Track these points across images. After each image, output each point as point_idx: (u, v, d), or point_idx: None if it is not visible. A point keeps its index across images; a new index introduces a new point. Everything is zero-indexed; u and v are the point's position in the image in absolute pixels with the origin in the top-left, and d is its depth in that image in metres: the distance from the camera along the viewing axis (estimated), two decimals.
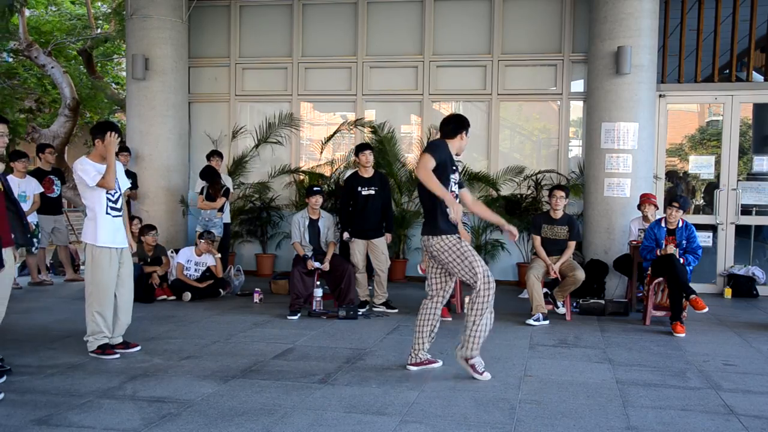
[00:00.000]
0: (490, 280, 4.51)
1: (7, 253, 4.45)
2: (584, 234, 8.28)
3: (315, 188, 7.09)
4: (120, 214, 5.18)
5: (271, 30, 9.80)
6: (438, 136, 9.04)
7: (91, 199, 5.03)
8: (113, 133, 5.08)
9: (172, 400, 4.09)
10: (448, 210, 4.44)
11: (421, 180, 4.39)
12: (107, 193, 5.05)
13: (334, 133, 9.45)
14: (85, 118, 15.60)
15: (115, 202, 5.12)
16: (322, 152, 9.55)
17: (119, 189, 5.17)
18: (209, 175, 8.20)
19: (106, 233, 5.03)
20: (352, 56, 9.55)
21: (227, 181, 8.75)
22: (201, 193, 8.27)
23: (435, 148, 4.51)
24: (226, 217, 8.64)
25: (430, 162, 4.37)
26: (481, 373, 4.56)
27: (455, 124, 4.73)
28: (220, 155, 8.75)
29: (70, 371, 4.67)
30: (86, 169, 4.97)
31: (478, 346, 4.54)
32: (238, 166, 9.56)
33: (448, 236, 4.54)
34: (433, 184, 4.33)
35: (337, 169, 9.38)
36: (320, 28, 9.66)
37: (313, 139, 9.73)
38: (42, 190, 8.25)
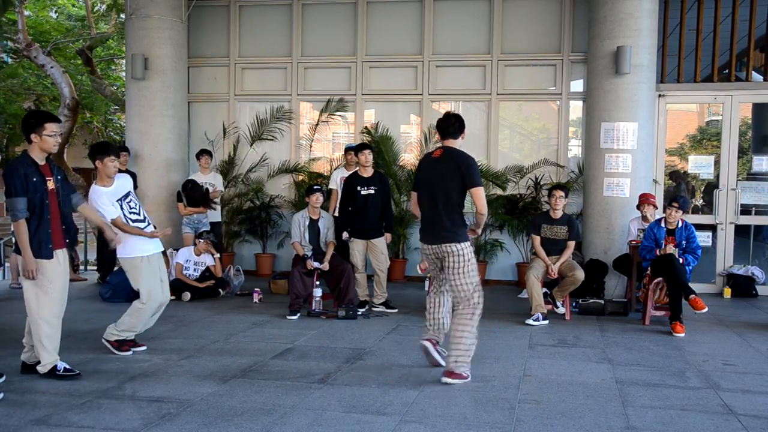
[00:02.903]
0: (482, 300, 4.56)
1: (62, 254, 4.54)
2: (584, 234, 8.28)
3: (315, 187, 7.09)
4: (145, 224, 5.25)
5: (270, 30, 9.80)
6: (438, 135, 9.03)
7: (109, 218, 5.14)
8: (109, 157, 5.10)
9: (171, 400, 4.10)
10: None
11: (484, 214, 4.59)
12: (122, 206, 5.14)
13: (317, 124, 9.54)
14: (85, 117, 15.61)
15: (138, 213, 5.23)
16: (311, 145, 9.57)
17: (137, 201, 5.30)
18: (188, 188, 8.19)
19: (134, 246, 5.14)
20: (352, 56, 9.54)
21: (217, 179, 8.76)
22: (179, 200, 8.27)
23: (478, 172, 4.62)
24: (217, 216, 8.63)
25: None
26: (467, 377, 4.52)
27: (460, 123, 4.70)
28: (209, 154, 8.76)
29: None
30: (102, 205, 5.05)
31: (469, 362, 4.54)
32: (232, 165, 9.57)
33: (468, 243, 4.56)
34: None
35: (336, 169, 9.39)
36: (320, 28, 9.66)
37: (314, 139, 9.73)
38: None
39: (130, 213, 5.17)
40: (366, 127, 9.38)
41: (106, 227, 5.04)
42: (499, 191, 8.97)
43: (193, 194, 8.13)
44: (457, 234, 4.53)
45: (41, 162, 4.45)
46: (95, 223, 5.24)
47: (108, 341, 5.18)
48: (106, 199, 5.08)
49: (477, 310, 4.53)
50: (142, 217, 5.25)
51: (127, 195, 5.22)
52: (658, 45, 8.27)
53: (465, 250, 4.53)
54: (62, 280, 4.55)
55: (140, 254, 5.15)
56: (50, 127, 4.41)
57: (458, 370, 4.47)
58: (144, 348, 5.30)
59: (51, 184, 4.47)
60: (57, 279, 4.50)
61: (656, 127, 8.36)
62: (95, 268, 9.80)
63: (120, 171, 5.48)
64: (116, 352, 5.14)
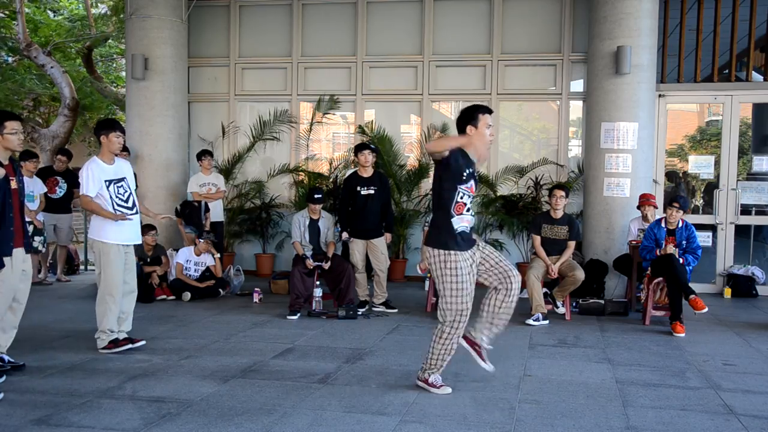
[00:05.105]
0: (460, 320, 4.10)
1: (18, 253, 4.54)
2: (584, 234, 8.28)
3: (316, 196, 7.00)
4: (133, 212, 5.25)
5: (270, 30, 9.80)
6: (438, 135, 9.02)
7: (97, 198, 5.13)
8: (114, 132, 5.16)
9: (171, 399, 4.09)
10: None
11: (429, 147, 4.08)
12: (111, 191, 5.13)
13: (311, 123, 9.54)
14: (85, 117, 15.61)
15: (126, 200, 5.21)
16: (308, 145, 9.58)
17: (129, 188, 5.28)
18: (185, 213, 8.14)
19: (110, 230, 5.13)
20: (352, 56, 9.54)
21: (219, 180, 8.74)
22: (178, 215, 8.24)
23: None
24: (219, 215, 8.62)
25: (447, 142, 4.12)
26: (439, 387, 4.26)
27: (458, 121, 4.21)
28: (211, 154, 8.75)
29: (70, 371, 4.68)
30: (86, 177, 5.09)
31: (439, 371, 4.29)
32: (234, 165, 9.57)
33: (443, 252, 4.07)
34: (442, 142, 4.12)
35: (336, 169, 9.39)
36: (320, 28, 9.66)
37: (313, 139, 9.73)
38: (45, 190, 8.50)
39: (117, 197, 5.16)
40: (360, 126, 9.36)
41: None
42: (497, 192, 8.98)
43: (191, 219, 8.13)
44: (431, 236, 4.15)
45: (5, 162, 4.45)
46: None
47: (104, 348, 5.17)
48: (95, 174, 5.08)
49: (446, 331, 4.14)
50: (130, 205, 5.23)
51: (120, 180, 5.23)
52: (658, 45, 8.27)
53: (438, 257, 4.08)
54: (15, 277, 4.54)
55: (113, 241, 5.14)
56: (11, 125, 4.42)
57: (424, 375, 4.31)
58: (143, 342, 5.31)
59: (14, 184, 4.49)
60: (9, 277, 4.49)
61: (656, 127, 8.36)
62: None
63: None
64: (116, 351, 5.13)
